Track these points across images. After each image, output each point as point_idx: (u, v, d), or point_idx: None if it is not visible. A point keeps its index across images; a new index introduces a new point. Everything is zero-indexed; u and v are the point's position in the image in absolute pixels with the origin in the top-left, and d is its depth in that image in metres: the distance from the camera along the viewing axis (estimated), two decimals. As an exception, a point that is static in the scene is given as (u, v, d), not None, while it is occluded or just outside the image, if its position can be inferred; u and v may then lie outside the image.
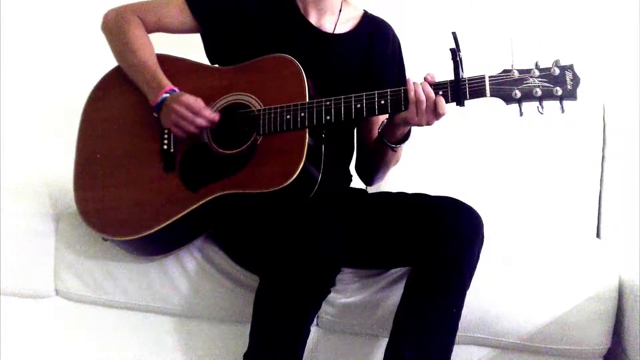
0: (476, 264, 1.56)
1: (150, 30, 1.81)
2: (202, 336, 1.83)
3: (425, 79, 1.55)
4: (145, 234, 1.65)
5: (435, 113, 1.54)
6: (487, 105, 1.59)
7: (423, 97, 1.53)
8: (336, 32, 1.79)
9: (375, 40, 1.81)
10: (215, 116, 1.65)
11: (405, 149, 1.72)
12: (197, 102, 1.64)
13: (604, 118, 2.17)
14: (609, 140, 2.15)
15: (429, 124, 1.56)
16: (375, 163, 1.80)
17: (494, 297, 1.70)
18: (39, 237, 1.83)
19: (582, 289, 1.69)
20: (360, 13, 1.84)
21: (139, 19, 1.80)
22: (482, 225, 1.57)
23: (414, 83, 1.54)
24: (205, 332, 1.83)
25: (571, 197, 2.12)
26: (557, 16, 2.31)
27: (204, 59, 1.82)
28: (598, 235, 2.13)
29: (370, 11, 1.86)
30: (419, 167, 2.16)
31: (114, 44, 1.81)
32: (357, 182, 1.92)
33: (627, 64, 2.26)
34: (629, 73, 2.25)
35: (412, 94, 1.54)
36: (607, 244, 2.05)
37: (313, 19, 1.79)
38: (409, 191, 1.73)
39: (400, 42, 1.85)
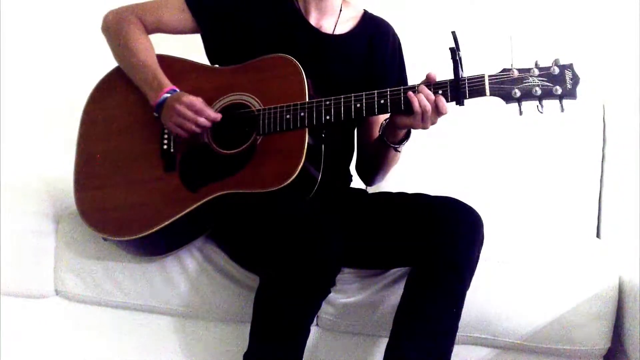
0: (476, 264, 1.56)
1: (150, 31, 1.81)
2: (202, 336, 1.83)
3: (427, 77, 1.55)
4: (146, 233, 1.65)
5: (437, 113, 1.54)
6: (487, 105, 1.59)
7: (429, 107, 1.53)
8: (336, 32, 1.79)
9: (375, 39, 1.80)
10: (217, 115, 1.65)
11: (405, 149, 1.72)
12: (198, 102, 1.64)
13: (604, 118, 2.17)
14: (609, 140, 2.15)
15: (433, 124, 1.57)
16: (376, 163, 1.79)
17: (494, 297, 1.70)
18: (39, 237, 1.83)
19: (582, 289, 1.69)
20: (360, 13, 1.84)
21: (139, 20, 1.80)
22: (482, 225, 1.57)
23: (415, 94, 1.54)
24: (205, 332, 1.83)
25: (571, 197, 2.12)
26: (557, 15, 2.31)
27: (204, 59, 1.82)
28: (598, 235, 2.13)
29: (370, 11, 1.86)
30: (419, 167, 2.15)
31: (114, 45, 1.81)
32: (357, 182, 1.92)
33: (627, 64, 2.26)
34: (629, 73, 2.25)
35: (416, 105, 1.53)
36: (607, 244, 2.05)
37: (313, 19, 1.79)
38: (409, 191, 1.73)
39: (400, 41, 1.85)
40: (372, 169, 1.83)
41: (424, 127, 1.56)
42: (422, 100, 1.53)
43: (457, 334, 1.55)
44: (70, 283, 1.83)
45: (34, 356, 1.86)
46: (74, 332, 1.87)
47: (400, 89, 1.55)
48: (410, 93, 1.54)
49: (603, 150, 2.15)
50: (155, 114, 1.69)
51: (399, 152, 1.71)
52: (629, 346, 1.67)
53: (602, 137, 2.15)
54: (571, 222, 2.10)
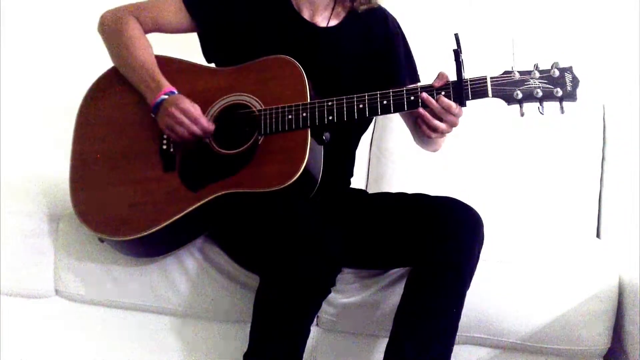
0: (476, 264, 1.56)
1: (147, 30, 1.80)
2: (202, 336, 1.83)
3: (440, 76, 1.55)
4: (146, 233, 1.64)
5: (449, 113, 1.55)
6: (488, 106, 1.60)
7: (443, 126, 1.55)
8: (330, 24, 1.77)
9: (371, 24, 1.78)
10: (211, 127, 1.64)
11: (405, 149, 1.72)
12: (194, 109, 1.63)
13: (604, 118, 2.18)
14: (609, 140, 2.16)
15: (451, 125, 1.57)
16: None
17: (494, 297, 1.71)
18: (39, 237, 1.82)
19: (582, 289, 1.69)
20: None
21: (136, 20, 1.79)
22: (482, 225, 1.57)
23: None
24: (205, 332, 1.83)
25: (571, 197, 2.12)
26: (557, 18, 2.32)
27: (203, 60, 1.82)
28: (598, 235, 2.13)
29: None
30: (419, 167, 2.16)
31: (111, 45, 1.80)
32: (357, 182, 1.92)
33: (627, 65, 2.26)
34: (629, 73, 2.25)
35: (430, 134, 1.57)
36: (607, 244, 2.05)
37: (306, 14, 1.78)
38: (409, 191, 1.73)
39: (399, 23, 1.83)
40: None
41: (438, 130, 1.56)
42: (435, 124, 1.55)
43: (457, 334, 1.55)
44: (70, 283, 1.83)
45: (34, 356, 1.85)
46: (74, 332, 1.87)
47: (402, 90, 1.56)
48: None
49: (603, 151, 2.15)
50: (152, 114, 1.69)
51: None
52: (629, 346, 1.67)
53: (602, 137, 2.16)
54: (571, 222, 2.11)
